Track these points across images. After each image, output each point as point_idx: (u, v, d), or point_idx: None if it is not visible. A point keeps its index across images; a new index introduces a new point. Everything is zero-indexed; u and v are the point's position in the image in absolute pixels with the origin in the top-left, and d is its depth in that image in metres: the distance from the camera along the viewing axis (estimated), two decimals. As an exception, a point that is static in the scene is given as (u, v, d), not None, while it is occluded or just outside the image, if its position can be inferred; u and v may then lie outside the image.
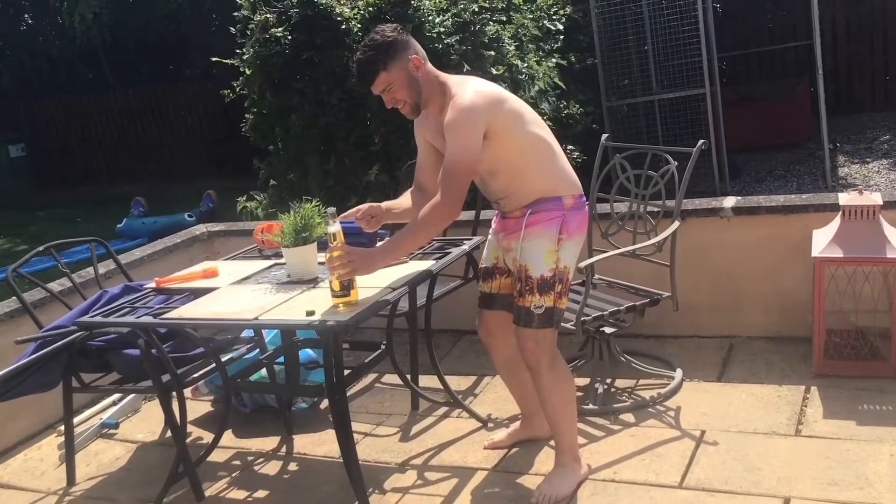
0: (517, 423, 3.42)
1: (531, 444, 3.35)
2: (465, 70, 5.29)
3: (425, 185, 3.05)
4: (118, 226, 9.66)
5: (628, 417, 3.50)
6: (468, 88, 2.80)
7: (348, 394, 3.77)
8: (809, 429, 3.24)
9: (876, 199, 3.58)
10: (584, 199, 2.98)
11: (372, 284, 3.00)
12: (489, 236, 3.14)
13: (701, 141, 3.58)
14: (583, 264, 3.40)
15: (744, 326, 4.11)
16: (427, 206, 2.80)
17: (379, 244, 3.06)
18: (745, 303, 4.09)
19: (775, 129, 8.94)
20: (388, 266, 3.00)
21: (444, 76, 2.90)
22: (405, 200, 3.10)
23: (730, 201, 4.08)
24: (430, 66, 2.86)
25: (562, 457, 3.04)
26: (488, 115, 2.76)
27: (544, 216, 2.87)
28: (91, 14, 12.74)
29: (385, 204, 3.11)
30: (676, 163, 3.61)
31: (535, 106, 5.91)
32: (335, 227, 2.78)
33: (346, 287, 2.77)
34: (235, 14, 5.82)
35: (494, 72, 5.54)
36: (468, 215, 4.13)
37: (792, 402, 3.45)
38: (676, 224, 3.55)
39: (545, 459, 3.23)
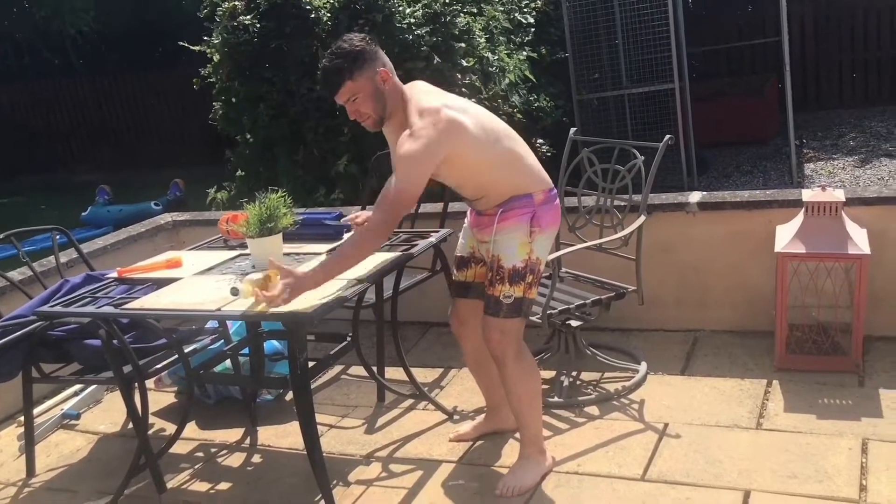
0: (482, 416, 3.43)
1: (496, 437, 3.36)
2: (434, 62, 5.28)
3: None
4: (83, 214, 9.54)
5: (593, 410, 3.52)
6: (427, 115, 2.73)
7: (314, 385, 3.76)
8: (770, 422, 3.28)
9: (838, 195, 3.62)
10: (555, 192, 3.00)
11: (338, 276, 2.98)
12: (464, 225, 3.15)
13: (667, 136, 3.60)
14: (550, 257, 3.40)
15: (708, 320, 4.14)
16: (362, 231, 2.86)
17: (311, 264, 2.98)
18: (710, 297, 4.13)
19: (743, 125, 9.03)
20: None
21: (408, 92, 2.85)
22: None
23: (695, 196, 4.11)
24: (396, 79, 2.83)
25: (526, 448, 3.05)
26: (447, 146, 2.73)
27: (516, 213, 2.88)
28: (86, 27, 12.51)
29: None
30: (643, 157, 3.63)
31: (505, 98, 5.92)
32: (245, 288, 2.78)
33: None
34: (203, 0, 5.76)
35: (465, 63, 5.54)
36: (436, 207, 4.12)
37: (754, 396, 3.49)
38: (642, 218, 3.57)
39: (510, 452, 3.24)
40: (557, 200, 2.99)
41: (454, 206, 4.04)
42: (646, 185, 3.58)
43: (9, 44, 14.94)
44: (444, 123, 2.73)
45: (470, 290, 3.13)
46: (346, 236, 3.53)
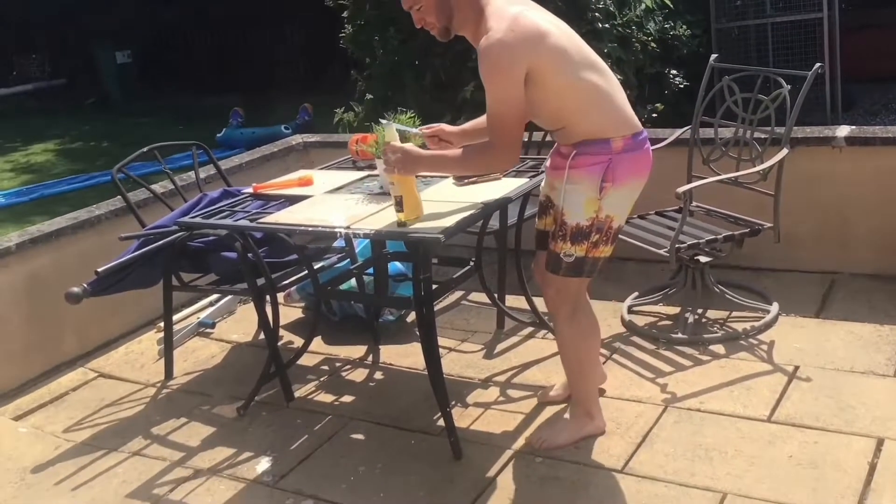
0: None
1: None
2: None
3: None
4: (217, 135, 9.88)
5: (718, 349, 3.43)
6: (503, 22, 2.49)
7: (435, 309, 3.80)
8: (910, 371, 3.12)
9: None
10: (644, 136, 2.70)
11: (463, 199, 2.98)
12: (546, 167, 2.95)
13: (818, 64, 3.39)
14: (680, 190, 3.31)
15: (848, 262, 3.94)
16: (477, 145, 2.68)
17: (431, 151, 2.85)
18: (851, 238, 3.92)
19: (894, 60, 8.40)
20: (427, 175, 2.97)
21: (486, 2, 2.58)
22: (482, 122, 2.84)
23: (843, 130, 3.88)
24: None
25: (574, 407, 2.95)
26: (528, 57, 2.49)
27: (588, 159, 2.61)
28: None
29: (461, 127, 2.94)
30: (789, 87, 3.43)
31: (640, 26, 5.70)
32: (387, 129, 2.79)
33: (399, 203, 2.70)
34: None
35: (600, -14, 5.34)
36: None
37: (893, 343, 3.31)
38: (785, 151, 3.39)
39: (625, 382, 3.21)
40: (646, 147, 2.69)
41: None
42: (790, 117, 3.40)
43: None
44: (523, 28, 2.50)
45: (548, 239, 2.87)
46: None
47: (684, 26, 6.46)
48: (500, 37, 2.48)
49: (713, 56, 3.89)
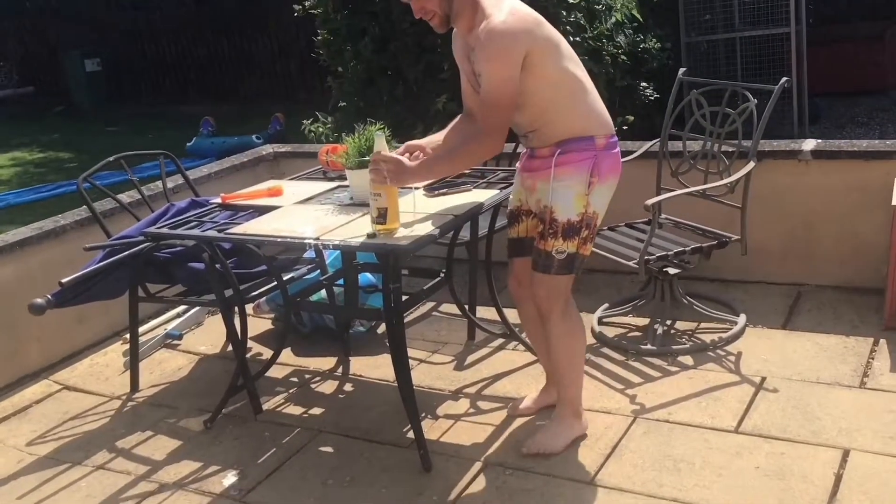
0: (542, 389, 3.20)
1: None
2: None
3: (472, 109, 2.83)
4: (187, 144, 9.79)
5: (687, 360, 3.45)
6: (503, 9, 2.57)
7: (406, 320, 3.79)
8: (875, 381, 3.15)
9: (967, 148, 3.40)
10: (616, 139, 2.79)
11: (433, 210, 2.97)
12: (516, 177, 2.94)
13: (784, 79, 3.43)
14: (649, 202, 3.32)
15: (814, 274, 3.98)
16: (469, 134, 2.69)
17: (415, 161, 2.79)
18: (817, 250, 3.97)
19: (861, 74, 8.54)
20: (417, 183, 2.96)
21: None
22: (443, 135, 2.92)
23: (809, 144, 3.92)
24: None
25: (562, 409, 2.94)
26: (526, 41, 2.56)
27: (575, 156, 2.68)
28: None
29: (424, 140, 2.95)
30: (756, 101, 3.47)
31: (610, 38, 5.74)
32: (378, 140, 2.73)
33: (383, 215, 2.68)
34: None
35: (570, 0, 5.37)
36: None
37: (859, 354, 3.35)
38: (752, 165, 3.43)
39: (595, 394, 3.22)
40: (618, 149, 2.78)
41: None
42: (757, 130, 3.43)
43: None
44: (522, 15, 2.58)
45: (524, 246, 2.90)
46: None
47: (654, 40, 6.51)
48: (502, 19, 2.55)
49: (681, 70, 3.93)
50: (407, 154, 2.87)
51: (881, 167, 3.72)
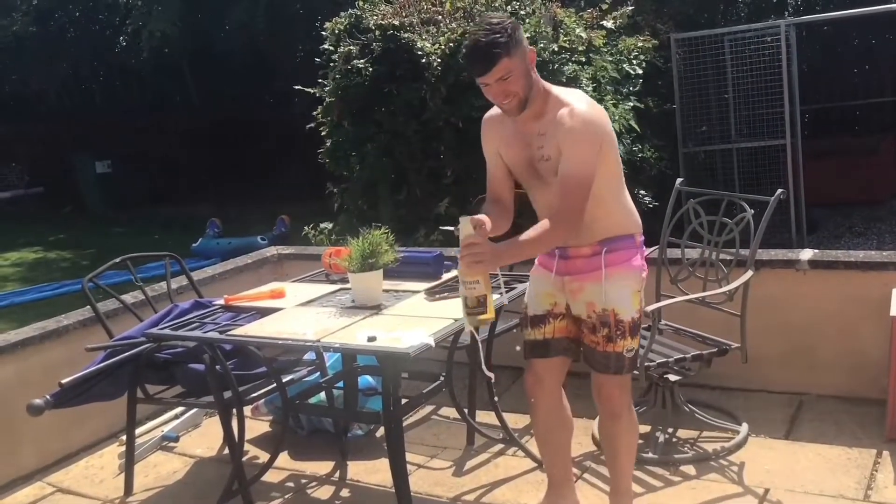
0: (541, 502, 3.10)
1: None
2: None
3: (502, 196, 2.84)
4: (193, 245, 9.92)
5: (689, 469, 3.40)
6: (582, 99, 2.64)
7: (405, 424, 3.76)
8: (879, 494, 3.10)
9: (962, 260, 3.44)
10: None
11: (435, 314, 3.00)
12: (535, 276, 2.92)
13: (780, 190, 3.51)
14: (649, 308, 3.33)
15: (815, 384, 3.97)
16: (550, 218, 2.60)
17: (501, 243, 2.62)
18: (818, 360, 3.96)
19: (856, 185, 8.72)
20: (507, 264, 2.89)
21: (543, 81, 2.70)
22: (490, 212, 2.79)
23: (807, 254, 3.98)
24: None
25: (625, 497, 2.94)
26: (605, 131, 2.62)
27: (623, 255, 2.73)
28: (158, 32, 12.68)
29: (482, 217, 2.76)
30: (753, 211, 3.54)
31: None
32: (465, 225, 2.51)
33: (483, 303, 2.52)
34: (322, 47, 5.97)
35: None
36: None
37: (862, 466, 3.31)
38: (750, 273, 3.47)
39: (596, 503, 3.17)
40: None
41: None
42: (755, 239, 3.49)
43: (134, 78, 15.78)
44: (601, 108, 2.66)
45: (550, 347, 2.86)
46: (445, 276, 3.56)
47: (651, 149, 6.67)
48: (589, 108, 2.61)
49: (679, 180, 4.02)
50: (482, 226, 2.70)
51: (878, 278, 3.75)
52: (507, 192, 2.85)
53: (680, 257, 3.83)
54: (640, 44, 6.69)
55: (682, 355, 3.47)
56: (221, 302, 3.44)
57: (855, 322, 3.84)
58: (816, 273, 3.90)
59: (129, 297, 4.03)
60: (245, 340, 3.03)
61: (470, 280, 2.50)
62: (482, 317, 2.54)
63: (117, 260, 3.85)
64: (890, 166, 8.84)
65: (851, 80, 10.56)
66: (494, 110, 2.81)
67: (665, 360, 3.43)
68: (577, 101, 2.63)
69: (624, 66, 6.59)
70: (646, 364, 3.34)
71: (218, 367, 3.19)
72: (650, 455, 3.48)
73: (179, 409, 4.14)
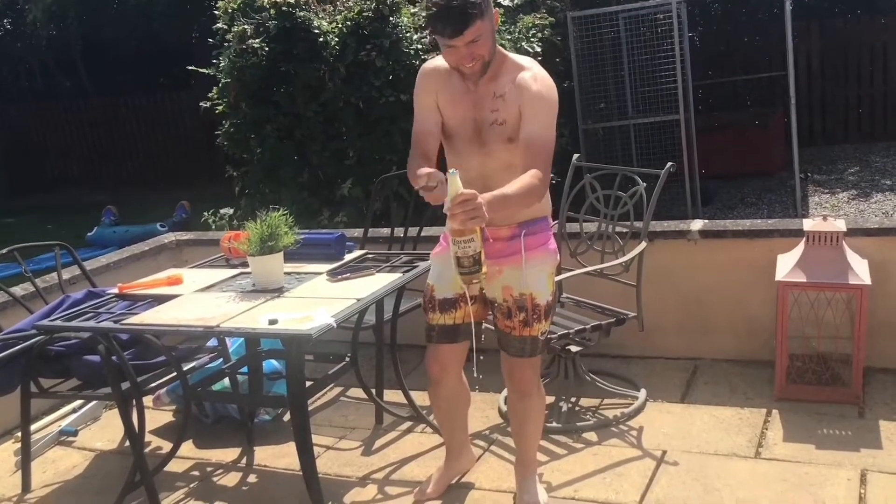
0: (441, 467, 3.19)
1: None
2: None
3: (428, 150, 2.70)
4: (88, 234, 9.58)
5: (591, 436, 3.50)
6: (537, 65, 2.62)
7: (312, 406, 3.75)
8: (769, 451, 3.26)
9: (840, 225, 3.63)
10: None
11: (337, 295, 2.99)
12: (437, 258, 2.86)
13: (669, 164, 3.62)
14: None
15: (709, 349, 4.13)
16: (529, 174, 2.49)
17: (488, 194, 2.43)
18: (711, 325, 4.12)
19: (748, 158, 9.07)
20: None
21: None
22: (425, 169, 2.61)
23: (697, 224, 4.12)
24: None
25: (532, 467, 3.02)
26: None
27: (541, 238, 2.73)
28: (53, 6, 12.33)
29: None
30: (645, 184, 3.64)
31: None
32: (454, 180, 2.35)
33: (478, 260, 2.41)
34: (215, 26, 5.82)
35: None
36: (438, 229, 4.13)
37: (753, 425, 3.47)
38: (643, 245, 3.57)
39: (499, 472, 3.23)
40: None
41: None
42: (647, 212, 3.59)
43: (22, 66, 15.13)
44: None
45: (459, 333, 2.82)
46: (347, 256, 3.55)
47: (553, 127, 6.77)
48: (547, 75, 2.60)
49: (575, 156, 4.10)
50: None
51: (764, 245, 3.92)
52: (435, 148, 2.72)
53: (578, 231, 3.92)
54: (537, 21, 6.76)
55: (582, 326, 3.55)
56: (116, 291, 3.34)
57: (745, 288, 4.01)
58: (707, 242, 4.05)
59: (18, 290, 3.88)
60: (141, 329, 2.96)
61: (464, 238, 2.38)
62: (481, 273, 2.43)
63: (3, 251, 3.70)
64: (780, 139, 9.22)
65: (742, 55, 10.93)
66: (436, 62, 2.73)
67: (566, 331, 3.51)
68: (536, 67, 2.62)
69: (522, 44, 6.66)
70: (548, 336, 3.41)
71: (114, 357, 3.10)
72: (554, 424, 3.57)
73: (78, 403, 4.02)
